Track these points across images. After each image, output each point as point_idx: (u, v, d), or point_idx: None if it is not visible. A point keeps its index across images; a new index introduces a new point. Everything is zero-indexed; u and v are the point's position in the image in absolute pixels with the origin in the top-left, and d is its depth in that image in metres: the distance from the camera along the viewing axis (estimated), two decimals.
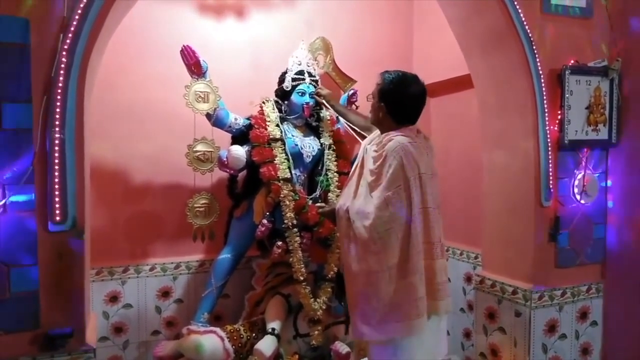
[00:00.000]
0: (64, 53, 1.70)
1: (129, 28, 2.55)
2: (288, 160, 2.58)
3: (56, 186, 1.70)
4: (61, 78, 1.70)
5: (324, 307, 2.55)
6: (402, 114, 1.94)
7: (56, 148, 1.69)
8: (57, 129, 1.69)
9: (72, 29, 1.71)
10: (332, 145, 2.76)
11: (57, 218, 1.70)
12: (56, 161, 1.69)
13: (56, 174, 1.69)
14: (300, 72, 2.71)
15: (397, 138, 1.86)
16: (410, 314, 1.77)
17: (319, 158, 2.74)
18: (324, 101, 2.68)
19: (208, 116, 2.50)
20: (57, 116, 1.69)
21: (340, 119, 2.71)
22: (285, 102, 2.72)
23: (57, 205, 1.70)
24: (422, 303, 1.79)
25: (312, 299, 2.53)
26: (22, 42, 1.66)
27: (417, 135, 1.95)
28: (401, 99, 1.93)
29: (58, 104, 1.69)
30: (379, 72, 2.03)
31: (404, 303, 1.78)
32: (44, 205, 1.70)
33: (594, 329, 2.57)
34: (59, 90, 1.70)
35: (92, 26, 1.74)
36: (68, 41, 1.71)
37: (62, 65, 1.70)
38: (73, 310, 1.77)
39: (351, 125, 2.57)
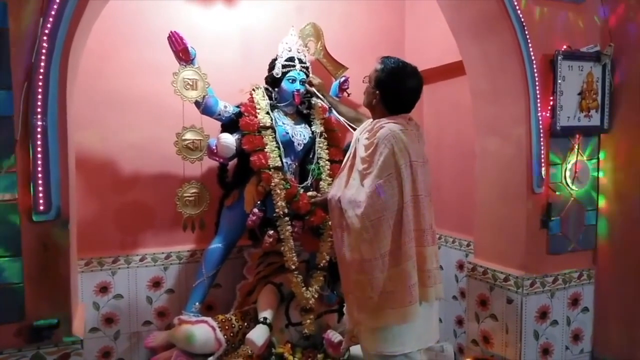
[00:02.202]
0: (45, 38, 1.65)
1: (114, 13, 2.51)
2: (279, 149, 2.55)
3: (39, 175, 1.66)
4: (42, 64, 1.65)
5: (315, 296, 2.54)
6: (396, 105, 1.93)
7: (38, 136, 1.65)
8: (38, 116, 1.64)
9: (53, 12, 1.66)
10: (324, 134, 2.73)
11: (41, 207, 1.67)
12: (39, 149, 1.65)
13: (39, 162, 1.65)
14: (291, 59, 2.67)
15: (388, 125, 1.84)
16: (404, 300, 1.77)
17: (310, 146, 2.71)
18: (315, 90, 2.64)
19: (197, 104, 2.46)
20: (39, 103, 1.65)
21: (332, 110, 2.68)
22: (276, 89, 2.68)
23: (40, 195, 1.66)
24: (415, 289, 1.79)
25: (304, 288, 2.52)
26: (0, 27, 1.61)
27: (409, 122, 1.93)
28: (397, 92, 1.91)
29: (40, 90, 1.65)
30: (372, 58, 2.00)
31: (398, 290, 1.78)
32: (27, 194, 1.66)
33: (585, 315, 2.58)
34: (40, 77, 1.65)
35: (73, 10, 1.69)
36: (49, 25, 1.66)
37: (43, 51, 1.65)
38: (59, 301, 1.74)
39: (343, 116, 2.54)
